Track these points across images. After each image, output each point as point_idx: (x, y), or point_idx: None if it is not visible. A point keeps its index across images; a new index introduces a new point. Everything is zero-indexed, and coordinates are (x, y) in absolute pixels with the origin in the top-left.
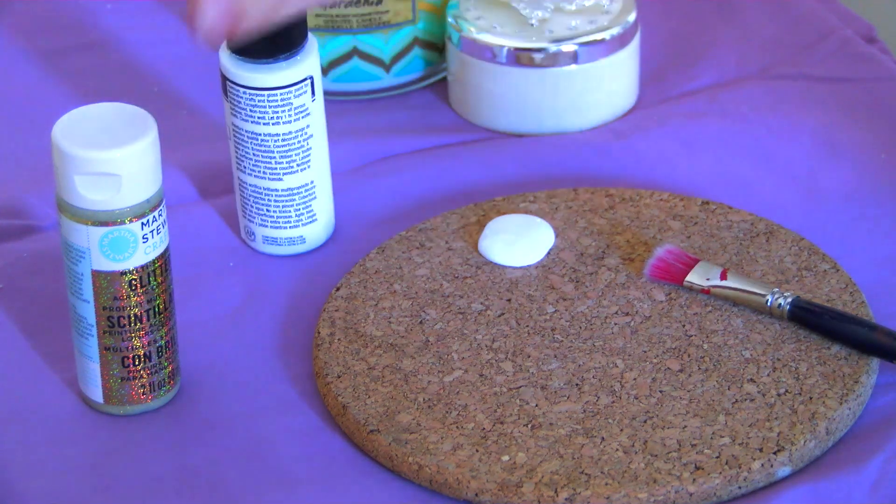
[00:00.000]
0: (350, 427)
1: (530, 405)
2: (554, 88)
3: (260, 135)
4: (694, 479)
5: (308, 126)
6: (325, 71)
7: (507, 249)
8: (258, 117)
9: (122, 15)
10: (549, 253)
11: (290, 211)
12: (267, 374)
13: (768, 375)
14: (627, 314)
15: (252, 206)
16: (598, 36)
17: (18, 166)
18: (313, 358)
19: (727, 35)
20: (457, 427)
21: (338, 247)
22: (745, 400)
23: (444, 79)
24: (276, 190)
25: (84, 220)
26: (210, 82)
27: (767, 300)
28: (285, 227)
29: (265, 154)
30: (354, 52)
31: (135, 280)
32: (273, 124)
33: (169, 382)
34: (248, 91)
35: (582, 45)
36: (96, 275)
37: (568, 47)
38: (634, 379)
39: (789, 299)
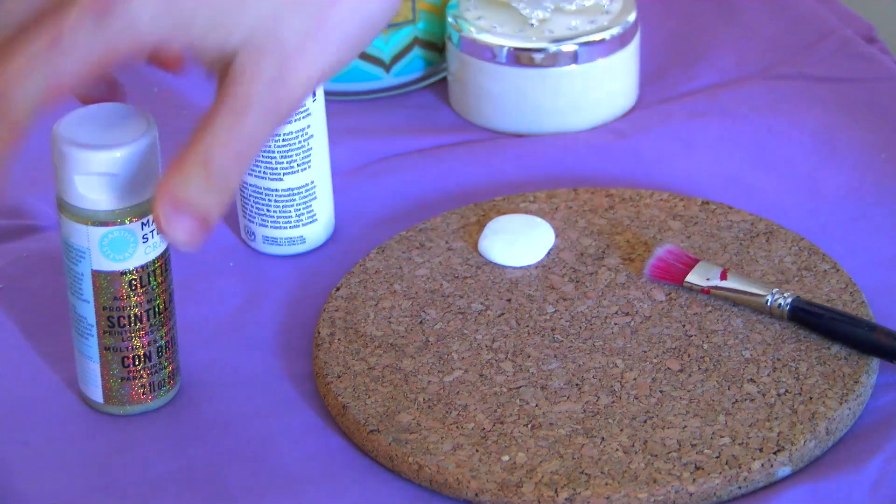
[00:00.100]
0: (350, 427)
1: (530, 405)
2: (554, 88)
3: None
4: (694, 479)
5: (308, 126)
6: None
7: (507, 249)
8: None
9: None
10: (549, 253)
11: (290, 211)
12: (267, 374)
13: (768, 375)
14: (627, 314)
15: (252, 206)
16: (598, 36)
17: (18, 166)
18: (313, 358)
19: (727, 35)
20: (457, 427)
21: (338, 247)
22: (745, 400)
23: (444, 79)
24: (277, 190)
25: (84, 219)
26: (210, 82)
27: (767, 300)
28: (285, 227)
29: (265, 154)
30: None
31: (135, 280)
32: None
33: (169, 382)
34: None
35: (582, 45)
36: (96, 275)
37: (568, 47)
38: (634, 379)
39: (789, 299)
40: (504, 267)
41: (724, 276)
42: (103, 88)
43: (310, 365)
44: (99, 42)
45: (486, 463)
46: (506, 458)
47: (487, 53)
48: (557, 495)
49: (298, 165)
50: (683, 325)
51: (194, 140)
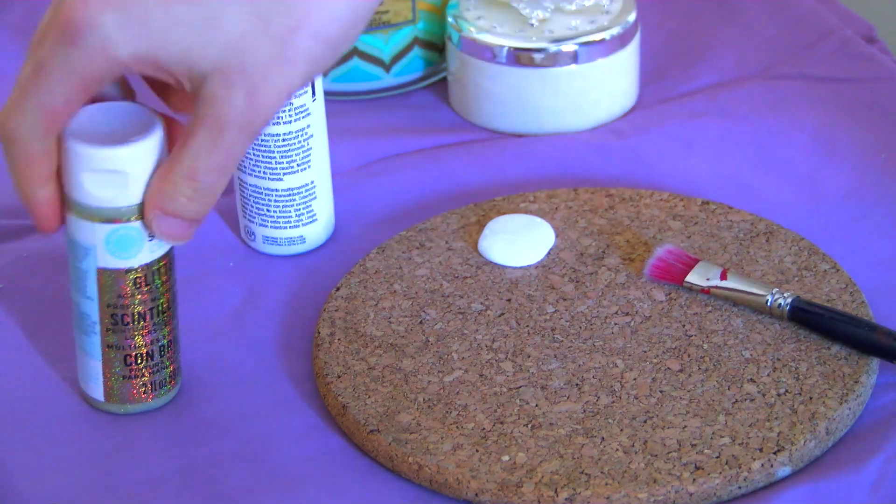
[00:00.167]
0: (350, 427)
1: (530, 405)
2: (554, 88)
3: (260, 135)
4: (694, 479)
5: (308, 126)
6: (326, 71)
7: (507, 249)
8: None
9: None
10: (549, 253)
11: (290, 211)
12: (267, 374)
13: (768, 375)
14: (627, 314)
15: (252, 206)
16: (598, 36)
17: None
18: (313, 358)
19: (727, 35)
20: (457, 427)
21: (338, 247)
22: (745, 400)
23: (444, 79)
24: (277, 190)
25: (90, 217)
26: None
27: (767, 300)
28: (285, 227)
29: (265, 154)
30: (354, 52)
31: (139, 278)
32: (273, 124)
33: (170, 382)
34: None
35: (582, 45)
36: (101, 272)
37: (568, 47)
38: (634, 379)
39: (789, 299)
40: (504, 267)
41: (724, 276)
42: (115, 91)
43: (310, 365)
44: (75, 67)
45: (486, 463)
46: (506, 458)
47: (487, 53)
48: (557, 495)
49: (298, 165)
50: (683, 325)
51: (178, 156)
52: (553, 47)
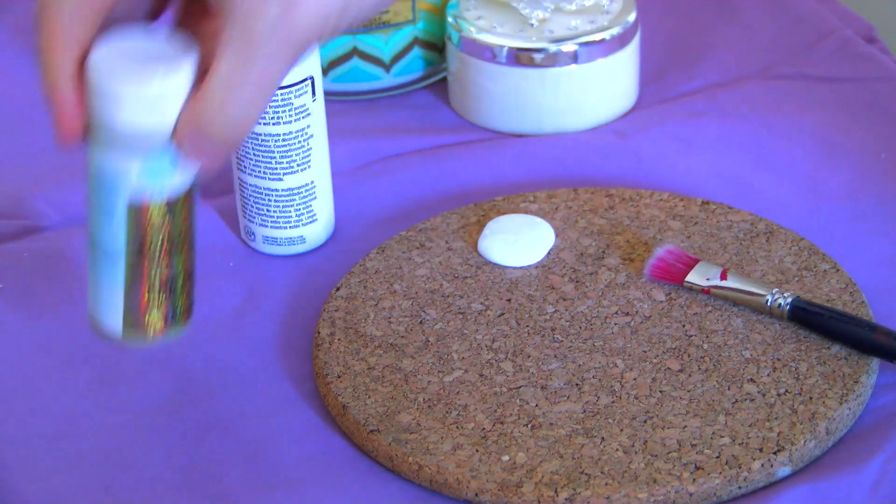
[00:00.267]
0: (350, 427)
1: (530, 405)
2: (554, 88)
3: (260, 135)
4: (694, 479)
5: (308, 126)
6: (326, 71)
7: (507, 249)
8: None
9: None
10: (549, 253)
11: (290, 211)
12: (267, 374)
13: (768, 375)
14: (627, 314)
15: (252, 206)
16: (598, 36)
17: (18, 166)
18: (313, 358)
19: (727, 35)
20: (457, 427)
21: (338, 247)
22: (745, 400)
23: (444, 79)
24: (277, 190)
25: (118, 144)
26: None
27: (767, 300)
28: (285, 227)
29: (265, 154)
30: (354, 52)
31: (166, 207)
32: (273, 124)
33: (183, 316)
34: None
35: (582, 45)
36: (129, 202)
37: (568, 47)
38: (634, 379)
39: (789, 299)
40: (504, 267)
41: (724, 276)
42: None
43: (310, 365)
44: None
45: (486, 463)
46: (506, 458)
47: (487, 53)
48: (557, 495)
49: (298, 165)
50: (683, 325)
51: (210, 80)
52: (553, 47)
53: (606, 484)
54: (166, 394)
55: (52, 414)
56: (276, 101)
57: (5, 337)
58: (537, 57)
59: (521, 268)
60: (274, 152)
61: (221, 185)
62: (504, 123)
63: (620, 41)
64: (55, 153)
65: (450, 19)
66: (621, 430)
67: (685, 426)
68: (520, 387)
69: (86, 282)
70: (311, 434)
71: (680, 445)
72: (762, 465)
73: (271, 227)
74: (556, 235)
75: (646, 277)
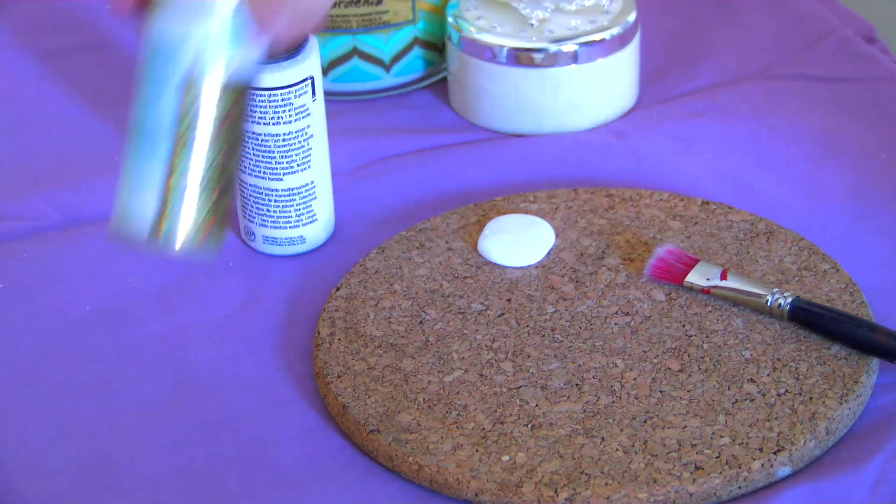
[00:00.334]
0: (350, 427)
1: (530, 405)
2: (554, 88)
3: (260, 135)
4: (694, 479)
5: (308, 126)
6: (326, 71)
7: (507, 249)
8: (259, 117)
9: None
10: (549, 253)
11: (290, 211)
12: (267, 374)
13: (768, 375)
14: (627, 314)
15: (252, 206)
16: (598, 36)
17: (18, 166)
18: (313, 358)
19: (727, 35)
20: (457, 427)
21: (338, 247)
22: (745, 400)
23: (444, 79)
24: (277, 190)
25: (183, 10)
26: None
27: (767, 300)
28: (285, 227)
29: (265, 154)
30: (354, 52)
31: (223, 90)
32: (273, 124)
33: (218, 226)
34: None
35: (582, 45)
36: (186, 76)
37: (568, 47)
38: (634, 379)
39: (789, 299)
40: (504, 267)
41: (724, 276)
42: None
43: (310, 365)
44: None
45: (486, 463)
46: (506, 458)
47: (487, 53)
48: (557, 495)
49: (298, 165)
50: (683, 325)
51: None
52: (553, 47)
53: (606, 484)
54: (166, 394)
55: (52, 414)
56: (277, 101)
57: (5, 337)
58: (537, 57)
59: (521, 268)
60: (274, 152)
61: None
62: (504, 123)
63: (620, 41)
64: (55, 153)
65: (450, 19)
66: (621, 430)
67: (685, 426)
68: (520, 387)
69: (85, 280)
70: (311, 434)
71: (680, 445)
72: (762, 465)
73: (271, 227)
74: (556, 235)
75: (646, 277)
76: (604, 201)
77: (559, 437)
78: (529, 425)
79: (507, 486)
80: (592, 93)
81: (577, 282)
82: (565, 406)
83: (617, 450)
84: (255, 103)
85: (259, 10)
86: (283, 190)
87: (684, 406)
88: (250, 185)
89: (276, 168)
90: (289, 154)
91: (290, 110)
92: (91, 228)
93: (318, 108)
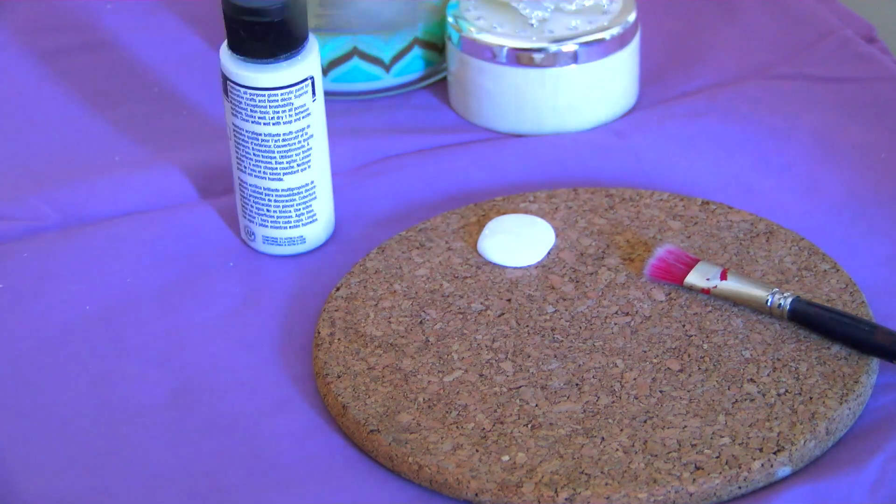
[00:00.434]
0: (350, 427)
1: (530, 405)
2: (554, 88)
3: (260, 135)
4: (694, 479)
5: (308, 126)
6: (326, 71)
7: (507, 249)
8: (258, 117)
9: (122, 15)
10: (549, 253)
11: (290, 211)
12: (267, 374)
13: (768, 375)
14: (627, 314)
15: (252, 206)
16: (598, 36)
17: (18, 166)
18: (313, 358)
19: (727, 35)
20: (457, 427)
21: (338, 247)
22: (745, 400)
23: (444, 79)
24: (277, 190)
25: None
26: (210, 82)
27: (767, 300)
28: (285, 227)
29: (265, 154)
30: (354, 52)
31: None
32: (273, 124)
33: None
34: (248, 91)
35: (582, 45)
36: None
37: (568, 47)
38: (634, 379)
39: (789, 299)
40: (504, 267)
41: (724, 276)
42: None
43: (310, 365)
44: None
45: (486, 463)
46: (506, 458)
47: (487, 53)
48: (557, 495)
49: (298, 165)
50: (683, 325)
51: None
52: (553, 47)
53: (606, 484)
54: (166, 394)
55: (52, 414)
56: (276, 101)
57: (5, 337)
58: (537, 57)
59: (521, 268)
60: (274, 152)
61: (221, 185)
62: (504, 123)
63: (620, 41)
64: (55, 153)
65: (450, 19)
66: (621, 430)
67: (685, 426)
68: (520, 387)
69: (85, 280)
70: (311, 434)
71: (680, 445)
72: (762, 465)
73: (271, 227)
74: (556, 235)
75: (646, 277)
76: (604, 201)
77: (559, 437)
78: (529, 425)
79: (507, 486)
80: (592, 93)
81: (577, 282)
82: (565, 406)
83: (617, 450)
84: (254, 103)
85: None
86: (283, 190)
87: (684, 406)
88: (250, 185)
89: (276, 168)
90: (289, 154)
91: (290, 110)
92: (91, 228)
93: (318, 108)
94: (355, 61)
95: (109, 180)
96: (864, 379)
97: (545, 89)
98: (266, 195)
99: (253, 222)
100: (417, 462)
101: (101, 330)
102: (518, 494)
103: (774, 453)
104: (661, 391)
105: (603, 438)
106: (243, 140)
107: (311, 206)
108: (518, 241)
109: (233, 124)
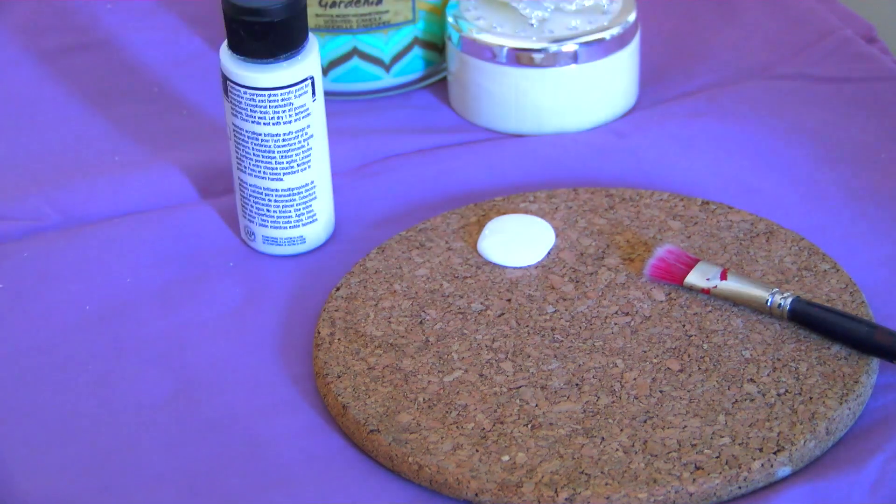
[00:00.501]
0: (350, 427)
1: (530, 405)
2: (554, 88)
3: (260, 135)
4: (694, 479)
5: (308, 126)
6: (326, 71)
7: (507, 249)
8: (258, 117)
9: (122, 15)
10: (549, 253)
11: (290, 211)
12: (267, 374)
13: (768, 375)
14: (627, 314)
15: (252, 206)
16: (598, 36)
17: (18, 166)
18: (313, 358)
19: (727, 35)
20: (457, 427)
21: (338, 247)
22: (745, 400)
23: (444, 79)
24: (277, 190)
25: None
26: (210, 82)
27: (767, 300)
28: (285, 227)
29: (265, 154)
30: (354, 52)
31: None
32: (273, 124)
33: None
34: (248, 91)
35: (582, 45)
36: None
37: (568, 47)
38: (634, 379)
39: (789, 299)
40: (504, 267)
41: (724, 276)
42: None
43: (310, 365)
44: None
45: (486, 463)
46: (506, 458)
47: (487, 53)
48: (557, 495)
49: (298, 165)
50: (683, 325)
51: None
52: (553, 47)
53: (606, 484)
54: (166, 394)
55: (52, 414)
56: (276, 101)
57: (5, 337)
58: (537, 57)
59: (521, 268)
60: (274, 152)
61: (221, 185)
62: (504, 123)
63: (620, 41)
64: (55, 153)
65: (450, 19)
66: (621, 430)
67: (685, 426)
68: (520, 387)
69: (85, 280)
70: (311, 434)
71: (680, 445)
72: (762, 465)
73: (271, 227)
74: (556, 235)
75: (646, 277)
76: (604, 201)
77: (559, 437)
78: (529, 425)
79: (507, 486)
80: (592, 93)
81: (577, 282)
82: (565, 406)
83: (617, 450)
84: (254, 103)
85: None
86: (283, 190)
87: (684, 406)
88: (250, 185)
89: (276, 168)
90: (289, 154)
91: (290, 110)
92: (90, 228)
93: (318, 108)
94: (355, 61)
95: (109, 180)
96: (864, 379)
97: (545, 89)
98: (266, 195)
99: (253, 222)
100: (417, 462)
101: (101, 330)
102: (518, 494)
103: (774, 453)
104: (661, 391)
105: (603, 438)
106: (243, 140)
107: (311, 206)
108: (518, 242)
109: (233, 124)
